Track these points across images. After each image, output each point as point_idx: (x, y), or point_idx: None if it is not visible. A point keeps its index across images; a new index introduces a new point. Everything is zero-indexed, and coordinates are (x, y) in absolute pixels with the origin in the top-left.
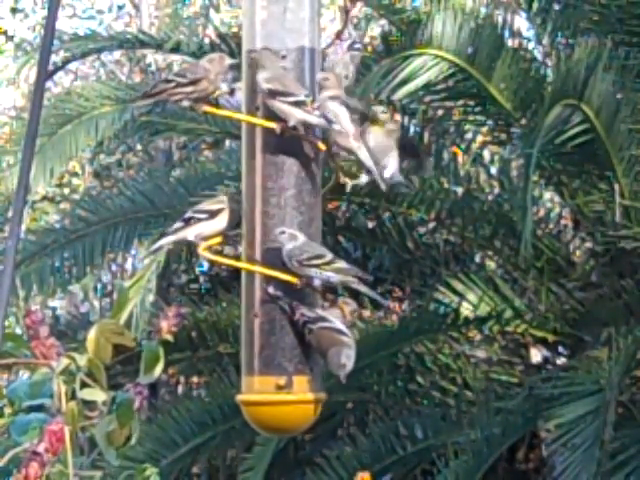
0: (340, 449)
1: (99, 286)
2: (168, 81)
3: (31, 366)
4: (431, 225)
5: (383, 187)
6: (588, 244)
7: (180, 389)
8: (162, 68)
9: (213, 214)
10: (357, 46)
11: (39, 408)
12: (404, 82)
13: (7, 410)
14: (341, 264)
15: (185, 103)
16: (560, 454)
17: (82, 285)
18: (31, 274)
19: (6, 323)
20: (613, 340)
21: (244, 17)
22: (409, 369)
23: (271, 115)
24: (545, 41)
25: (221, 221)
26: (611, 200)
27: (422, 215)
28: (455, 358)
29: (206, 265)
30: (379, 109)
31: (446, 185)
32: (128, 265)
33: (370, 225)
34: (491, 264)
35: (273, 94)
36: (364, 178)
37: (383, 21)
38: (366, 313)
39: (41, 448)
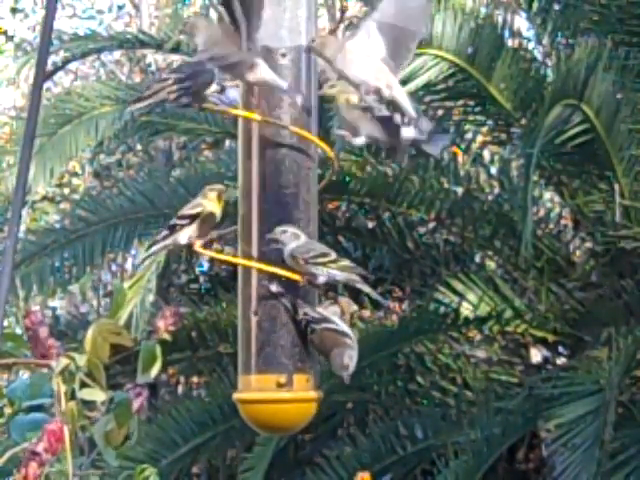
0: (340, 449)
1: (100, 286)
2: (163, 80)
3: (31, 366)
4: (431, 225)
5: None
6: (588, 244)
7: (180, 389)
8: (162, 68)
9: (192, 219)
10: None
11: (39, 408)
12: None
13: (7, 410)
14: (346, 262)
15: (184, 100)
16: (560, 454)
17: (80, 285)
18: (31, 274)
19: (6, 323)
20: (613, 340)
21: None
22: (409, 369)
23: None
24: (545, 41)
25: (198, 227)
26: (611, 200)
27: (422, 215)
28: (455, 358)
29: (206, 265)
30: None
31: (446, 185)
32: (128, 265)
33: (370, 225)
34: (491, 264)
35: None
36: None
37: None
38: (366, 313)
39: (40, 448)
